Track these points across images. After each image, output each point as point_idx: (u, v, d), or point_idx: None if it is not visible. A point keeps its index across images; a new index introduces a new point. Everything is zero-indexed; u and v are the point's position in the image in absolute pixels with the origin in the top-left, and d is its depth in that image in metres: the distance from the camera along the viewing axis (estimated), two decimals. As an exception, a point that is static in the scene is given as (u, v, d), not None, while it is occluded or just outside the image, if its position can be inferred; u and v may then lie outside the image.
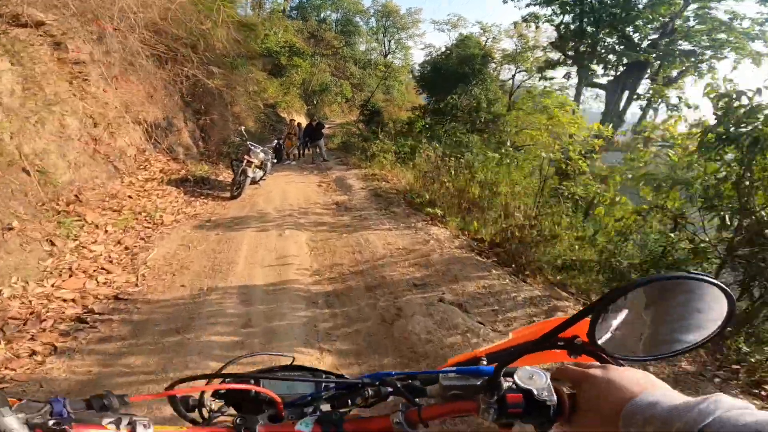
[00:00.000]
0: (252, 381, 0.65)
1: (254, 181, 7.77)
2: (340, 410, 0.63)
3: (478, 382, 0.56)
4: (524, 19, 21.62)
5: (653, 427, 0.41)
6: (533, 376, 0.53)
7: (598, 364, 0.54)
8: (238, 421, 0.56)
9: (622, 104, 16.29)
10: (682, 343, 0.54)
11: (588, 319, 0.50)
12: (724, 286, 0.49)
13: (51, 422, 0.45)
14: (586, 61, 16.60)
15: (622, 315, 0.53)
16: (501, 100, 21.29)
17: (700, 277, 0.50)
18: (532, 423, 0.52)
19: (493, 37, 28.29)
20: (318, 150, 12.39)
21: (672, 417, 0.40)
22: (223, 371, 0.68)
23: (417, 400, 0.58)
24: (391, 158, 10.19)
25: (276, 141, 12.79)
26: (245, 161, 7.36)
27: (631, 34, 16.65)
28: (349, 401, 0.65)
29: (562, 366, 0.56)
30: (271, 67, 23.79)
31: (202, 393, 0.65)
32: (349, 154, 13.55)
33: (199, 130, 11.50)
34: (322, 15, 41.49)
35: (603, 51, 16.65)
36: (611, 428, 0.46)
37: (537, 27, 21.79)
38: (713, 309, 0.51)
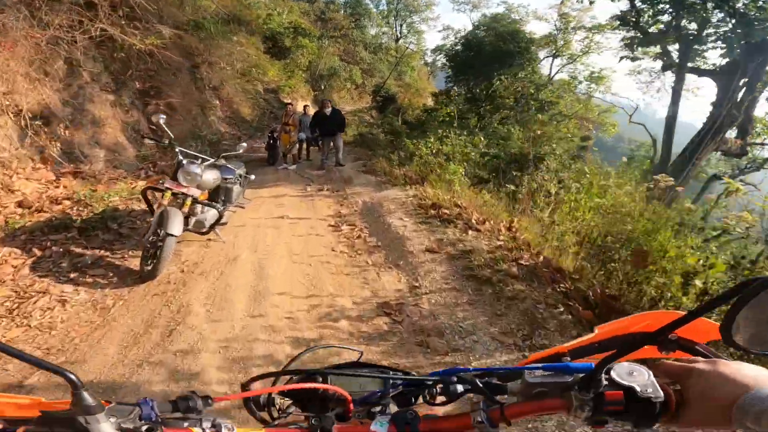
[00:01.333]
0: (320, 378, 0.61)
1: (200, 232, 3.60)
2: (409, 407, 0.58)
3: (569, 379, 0.52)
4: (577, -8, 17.10)
5: None
6: (633, 373, 0.49)
7: (699, 359, 0.52)
8: (313, 421, 0.55)
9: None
10: None
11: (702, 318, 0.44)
12: None
13: (144, 427, 0.46)
14: (693, 41, 12.22)
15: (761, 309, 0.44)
16: (551, 85, 16.91)
17: None
18: (631, 421, 0.48)
19: (520, 18, 23.96)
20: (332, 148, 8.19)
21: None
22: (291, 366, 0.69)
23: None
24: (462, 172, 6.00)
25: (269, 135, 8.65)
26: (168, 191, 3.21)
27: (745, 10, 12.23)
28: (415, 398, 0.62)
29: (659, 362, 0.52)
30: (269, 44, 19.79)
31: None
32: (373, 154, 9.40)
33: (146, 120, 7.33)
34: (329, -3, 38.45)
35: (715, 29, 12.26)
36: (722, 423, 0.44)
37: (591, 2, 17.18)
38: None
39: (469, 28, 21.18)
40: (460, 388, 0.57)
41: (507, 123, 16.08)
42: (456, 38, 21.59)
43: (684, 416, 0.48)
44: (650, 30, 15.10)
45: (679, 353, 0.55)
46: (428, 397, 0.60)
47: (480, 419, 0.52)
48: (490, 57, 16.81)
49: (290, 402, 0.64)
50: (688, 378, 0.49)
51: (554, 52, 22.04)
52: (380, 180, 6.90)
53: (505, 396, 0.55)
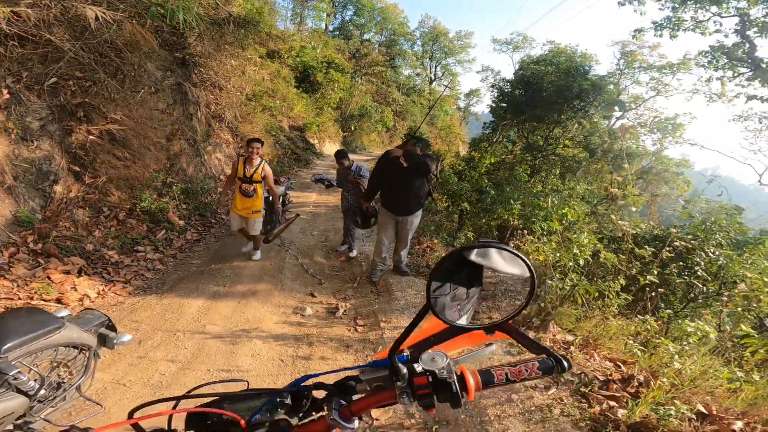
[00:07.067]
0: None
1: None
2: (283, 418, 0.64)
3: (386, 372, 0.60)
4: (657, 27, 13.98)
5: None
6: (435, 358, 0.57)
7: None
8: None
9: None
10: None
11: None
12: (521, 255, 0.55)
13: None
14: None
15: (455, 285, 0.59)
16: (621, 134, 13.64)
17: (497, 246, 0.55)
18: (446, 401, 0.55)
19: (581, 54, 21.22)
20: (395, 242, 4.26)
21: None
22: (182, 400, 0.69)
23: (354, 396, 0.63)
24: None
25: (281, 200, 5.26)
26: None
27: None
28: (291, 410, 0.65)
29: None
30: (297, 74, 17.77)
31: (170, 422, 0.65)
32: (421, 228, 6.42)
33: (67, 156, 4.47)
34: (365, 36, 38.09)
35: None
36: None
37: (673, 36, 14.04)
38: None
39: (511, 69, 18.83)
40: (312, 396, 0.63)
41: (568, 178, 12.89)
42: (495, 80, 18.89)
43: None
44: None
45: (499, 334, 0.63)
46: (290, 410, 0.64)
47: (333, 417, 0.59)
48: (553, 96, 13.93)
49: None
50: None
51: (617, 95, 19.05)
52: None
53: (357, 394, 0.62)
